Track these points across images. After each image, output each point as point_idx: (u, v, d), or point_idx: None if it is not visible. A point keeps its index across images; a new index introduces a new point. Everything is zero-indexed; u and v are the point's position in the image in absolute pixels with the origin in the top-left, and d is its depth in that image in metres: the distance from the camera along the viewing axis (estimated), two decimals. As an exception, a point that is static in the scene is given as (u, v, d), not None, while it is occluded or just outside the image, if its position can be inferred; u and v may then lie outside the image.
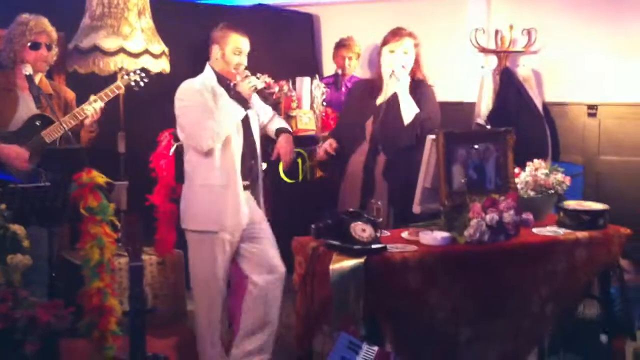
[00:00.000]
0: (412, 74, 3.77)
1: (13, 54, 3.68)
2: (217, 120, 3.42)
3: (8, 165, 3.53)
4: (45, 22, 3.71)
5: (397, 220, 3.50)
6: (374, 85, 3.85)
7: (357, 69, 5.50)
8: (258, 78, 3.58)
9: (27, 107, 3.67)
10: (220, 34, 3.58)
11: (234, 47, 3.55)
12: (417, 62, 3.80)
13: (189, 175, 3.62)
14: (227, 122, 3.45)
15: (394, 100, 3.73)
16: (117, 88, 3.86)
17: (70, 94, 3.96)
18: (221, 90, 3.54)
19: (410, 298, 2.79)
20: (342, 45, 5.41)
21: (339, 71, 5.38)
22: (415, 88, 3.74)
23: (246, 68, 3.60)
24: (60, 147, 3.63)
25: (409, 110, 3.68)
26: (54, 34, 3.74)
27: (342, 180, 3.84)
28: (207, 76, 3.61)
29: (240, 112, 3.49)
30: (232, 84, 3.57)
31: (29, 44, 3.66)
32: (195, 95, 3.50)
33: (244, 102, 3.49)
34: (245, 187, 3.59)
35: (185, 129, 3.53)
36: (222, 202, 3.51)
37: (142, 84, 3.99)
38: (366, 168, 3.72)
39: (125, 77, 3.90)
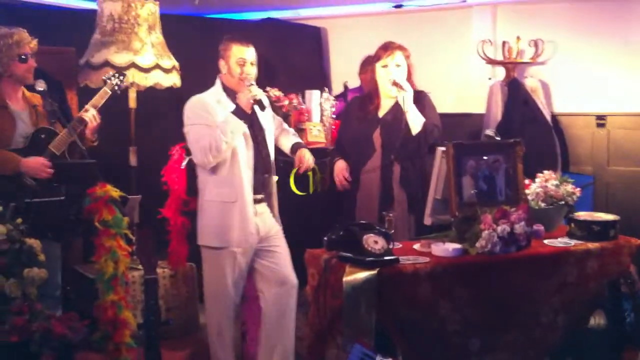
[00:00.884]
0: (410, 84, 3.83)
1: (1, 68, 3.61)
2: (217, 136, 3.39)
3: (28, 178, 3.50)
4: (25, 33, 3.66)
5: (418, 229, 3.51)
6: (371, 99, 3.91)
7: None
8: (267, 91, 3.56)
9: (23, 123, 3.64)
10: (223, 47, 3.59)
11: (237, 58, 3.53)
12: (409, 73, 3.85)
13: (200, 190, 3.63)
14: (228, 137, 3.41)
15: (398, 111, 3.79)
16: (105, 93, 3.87)
17: None
18: (227, 104, 3.54)
19: (422, 309, 2.80)
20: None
21: (348, 84, 5.38)
22: (416, 98, 3.80)
23: (257, 79, 3.58)
24: (75, 161, 3.65)
25: (416, 120, 3.74)
26: (34, 43, 3.68)
27: (356, 192, 3.87)
28: (214, 90, 3.61)
29: (240, 125, 3.45)
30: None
31: (17, 58, 3.60)
32: (198, 111, 3.50)
33: (242, 114, 3.44)
34: (260, 201, 3.58)
35: (191, 147, 3.55)
36: (228, 218, 3.50)
37: (122, 86, 3.98)
38: (383, 179, 3.77)
39: (108, 81, 3.92)
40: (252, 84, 3.51)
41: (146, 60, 4.30)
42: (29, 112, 3.68)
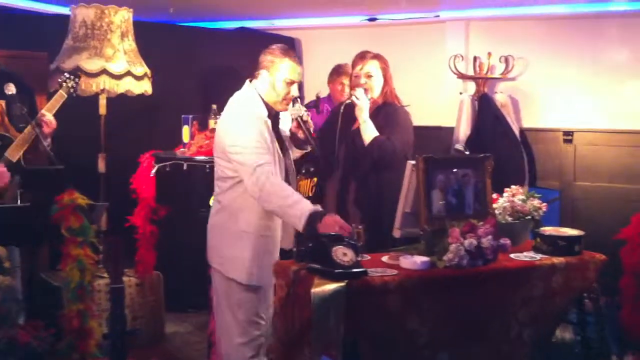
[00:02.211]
0: (384, 95, 3.74)
1: None
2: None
3: None
4: None
5: (371, 247, 3.23)
6: (351, 110, 3.73)
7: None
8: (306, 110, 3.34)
9: None
10: (271, 59, 3.22)
11: (288, 77, 3.19)
12: (387, 83, 3.74)
13: (235, 216, 3.25)
14: None
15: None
16: (61, 97, 3.80)
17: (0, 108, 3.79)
18: (268, 125, 3.21)
19: (391, 322, 2.80)
20: (344, 72, 4.91)
21: (320, 94, 5.40)
22: (381, 110, 3.72)
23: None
24: (42, 167, 3.60)
25: (366, 132, 3.63)
26: None
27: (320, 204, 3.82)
28: (253, 101, 3.23)
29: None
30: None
31: None
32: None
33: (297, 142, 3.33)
34: None
35: None
36: (265, 253, 3.22)
37: (77, 88, 3.93)
38: (339, 196, 3.70)
39: (64, 84, 3.86)
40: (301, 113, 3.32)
41: (118, 67, 4.28)
42: None
